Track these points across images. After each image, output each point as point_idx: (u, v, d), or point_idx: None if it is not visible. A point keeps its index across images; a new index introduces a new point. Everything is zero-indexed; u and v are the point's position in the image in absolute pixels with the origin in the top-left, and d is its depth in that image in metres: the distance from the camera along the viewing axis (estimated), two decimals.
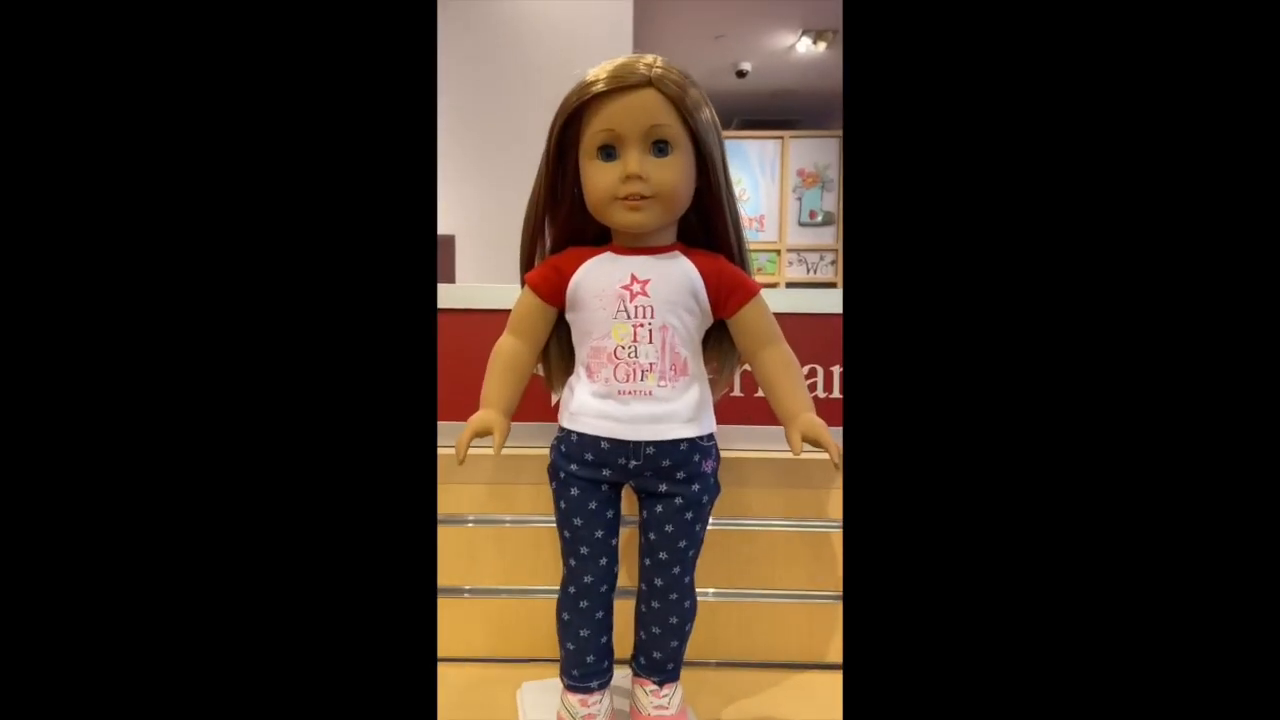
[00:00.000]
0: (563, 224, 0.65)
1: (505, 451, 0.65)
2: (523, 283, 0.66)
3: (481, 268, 2.13)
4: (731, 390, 0.80)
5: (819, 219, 3.64)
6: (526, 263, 0.67)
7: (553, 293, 0.64)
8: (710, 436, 0.66)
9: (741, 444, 0.81)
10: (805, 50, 3.37)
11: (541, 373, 0.70)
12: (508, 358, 0.64)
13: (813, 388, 0.81)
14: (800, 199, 3.67)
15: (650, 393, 0.61)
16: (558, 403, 0.67)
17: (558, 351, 0.68)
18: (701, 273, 0.62)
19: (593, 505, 0.64)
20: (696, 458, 0.63)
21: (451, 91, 2.01)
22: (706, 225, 0.64)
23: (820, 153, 3.63)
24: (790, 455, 0.60)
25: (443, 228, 2.12)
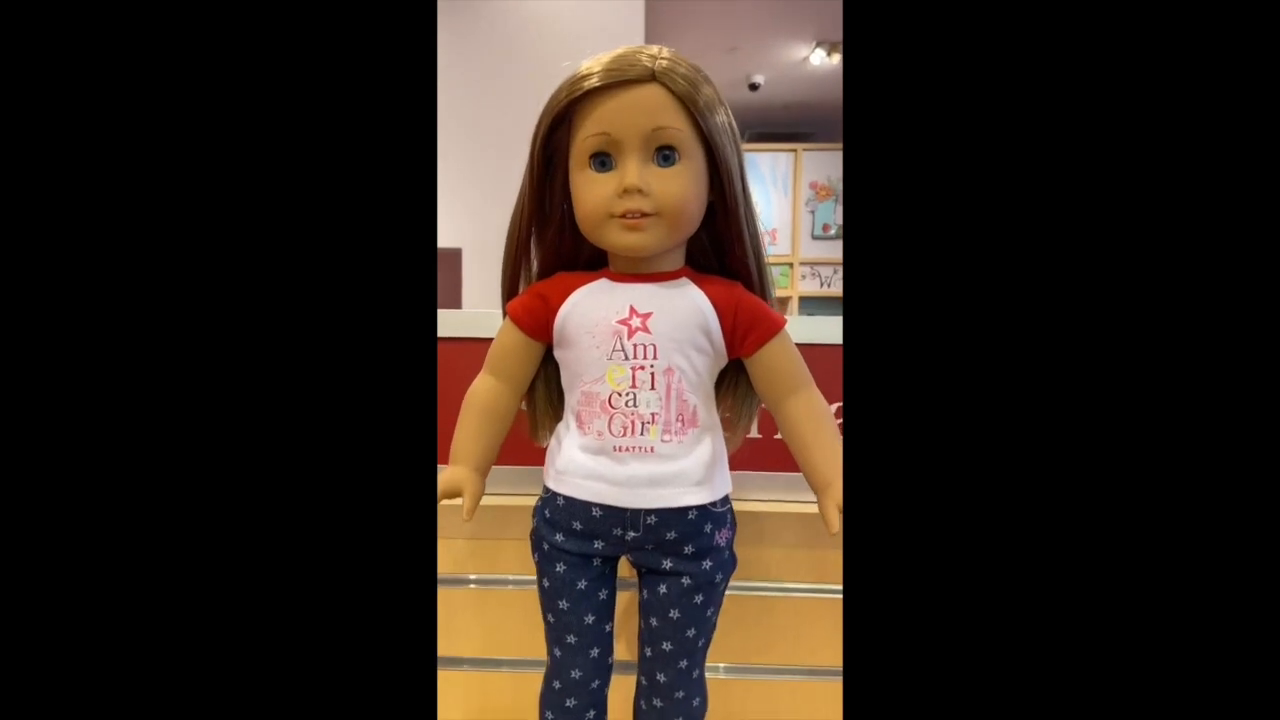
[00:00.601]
0: (550, 245, 0.55)
1: (488, 502, 0.56)
2: (504, 312, 0.56)
3: (491, 284, 2.01)
4: (748, 432, 0.69)
5: (832, 232, 3.60)
6: (509, 289, 0.57)
7: (537, 326, 0.53)
8: (725, 500, 0.55)
9: (758, 494, 0.71)
10: (819, 63, 3.33)
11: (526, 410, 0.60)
12: (484, 403, 0.54)
13: None
14: (813, 212, 3.64)
15: (652, 449, 0.51)
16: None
17: (545, 394, 0.58)
18: (714, 304, 0.52)
19: (582, 584, 0.53)
20: (708, 528, 0.52)
21: (460, 99, 1.93)
22: (720, 248, 0.54)
23: (833, 166, 3.59)
24: (816, 509, 0.50)
25: (448, 240, 2.03)
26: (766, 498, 0.71)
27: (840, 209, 3.56)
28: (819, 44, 3.21)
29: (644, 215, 0.48)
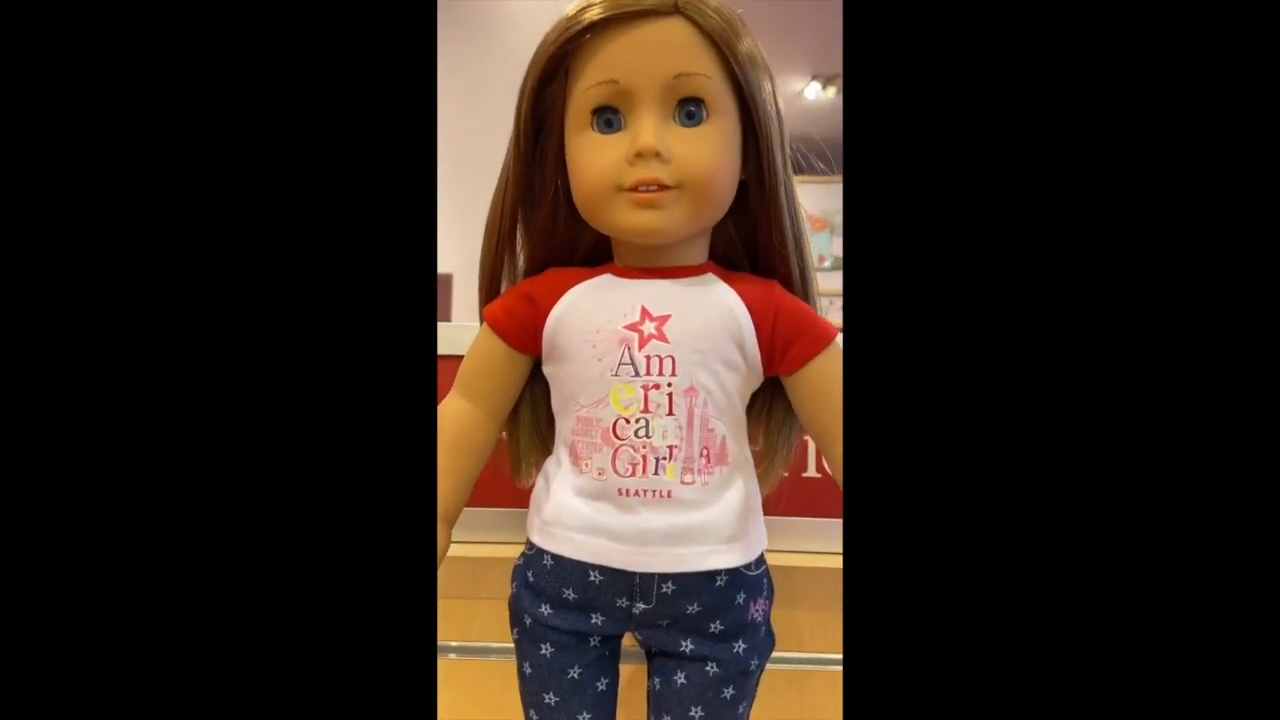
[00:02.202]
0: (540, 234, 0.44)
1: (458, 552, 0.45)
2: (481, 318, 0.44)
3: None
4: (785, 470, 0.57)
5: (828, 264, 3.57)
6: (488, 290, 0.45)
7: (522, 334, 0.42)
8: (760, 561, 0.43)
9: (787, 543, 0.59)
10: (814, 96, 3.36)
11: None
12: (453, 432, 0.42)
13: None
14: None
15: (669, 494, 0.39)
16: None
17: (531, 420, 0.46)
18: (749, 306, 0.41)
19: (575, 672, 0.41)
20: (741, 598, 0.41)
21: (448, 120, 1.86)
22: (752, 239, 0.44)
23: (829, 198, 3.56)
24: None
25: (439, 266, 1.96)
26: (797, 549, 0.59)
27: (836, 240, 3.53)
28: (814, 77, 3.25)
29: (662, 188, 0.37)
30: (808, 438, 0.67)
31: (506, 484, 0.51)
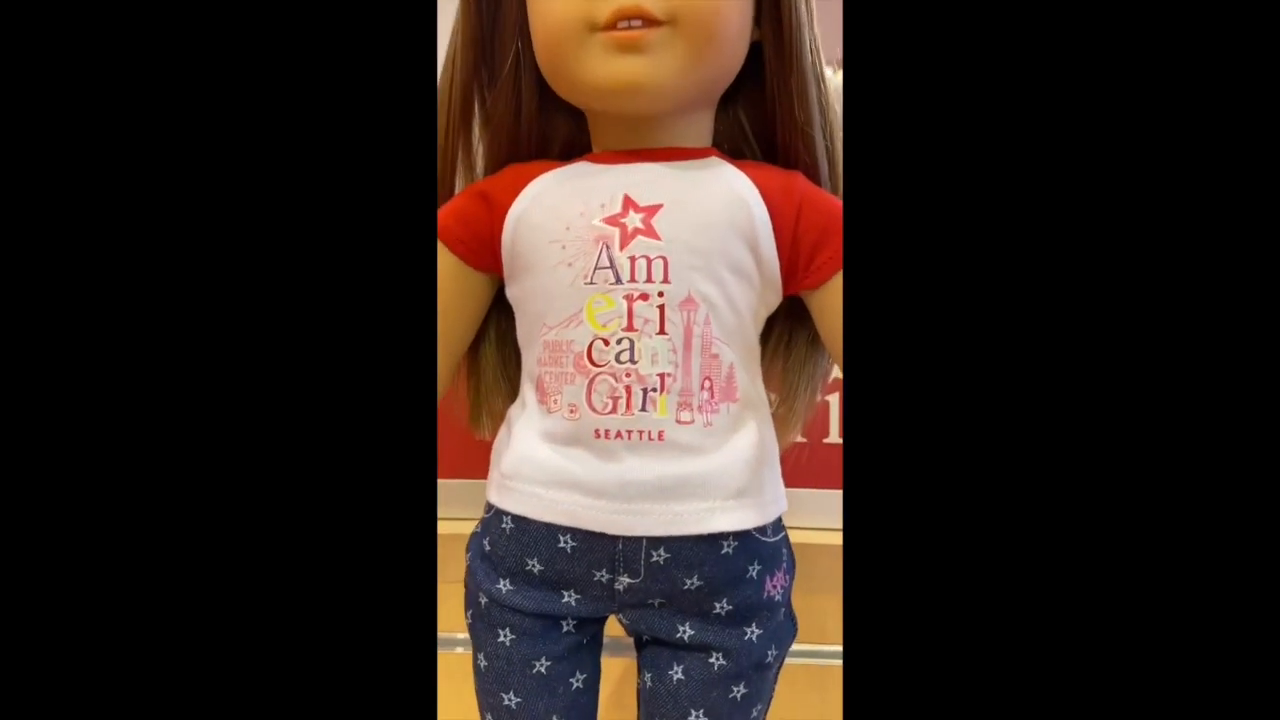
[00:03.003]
0: (502, 123, 0.35)
1: (452, 530, 0.37)
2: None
3: None
4: (807, 418, 0.49)
5: None
6: (443, 189, 0.37)
7: (478, 245, 0.34)
8: (779, 525, 0.36)
9: (804, 519, 0.52)
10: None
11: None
12: None
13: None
14: None
15: (660, 435, 0.31)
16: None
17: (495, 359, 0.38)
18: (765, 196, 0.32)
19: (541, 666, 0.33)
20: (754, 570, 0.33)
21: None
22: (769, 126, 0.35)
23: None
24: None
25: None
26: (815, 525, 0.53)
27: None
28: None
29: (649, 23, 0.29)
30: (829, 398, 0.59)
31: (468, 450, 0.43)
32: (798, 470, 0.51)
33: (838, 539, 0.51)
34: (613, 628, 0.39)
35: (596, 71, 0.30)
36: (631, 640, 0.37)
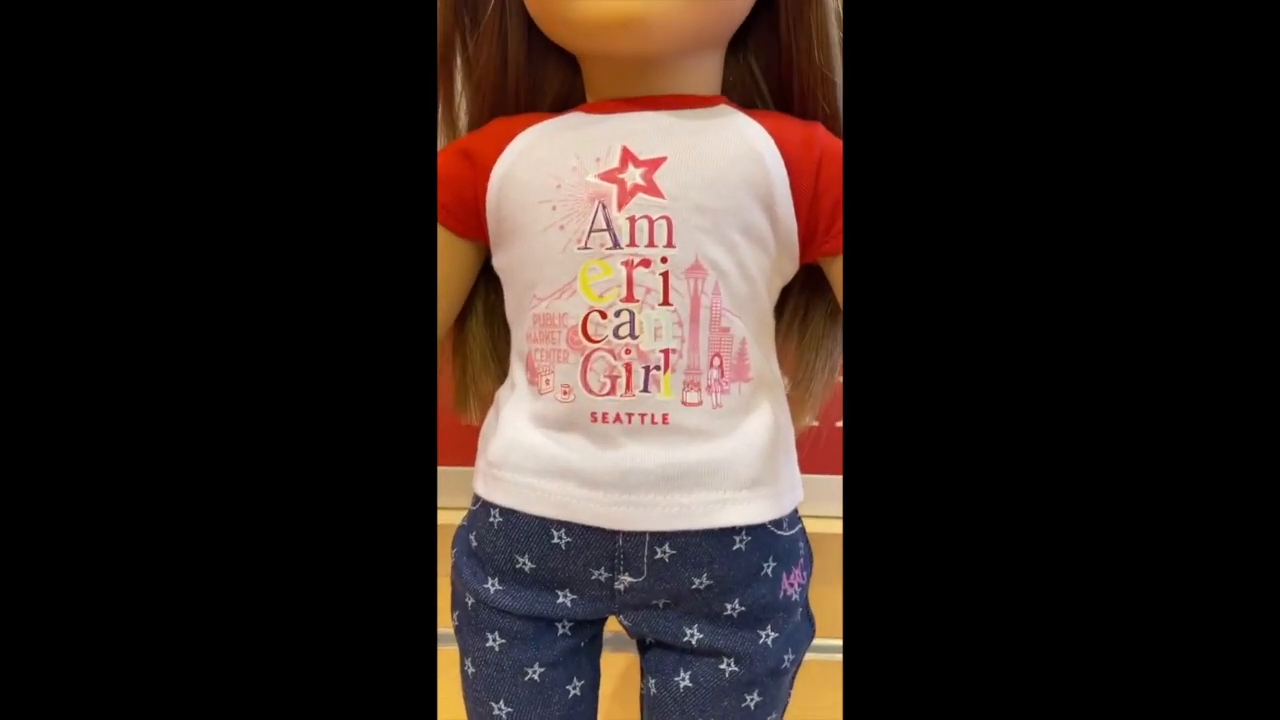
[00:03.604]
0: (487, 72, 0.32)
1: (452, 520, 0.34)
2: None
3: None
4: (825, 400, 0.47)
5: None
6: None
7: (460, 209, 0.31)
8: (796, 519, 0.33)
9: (819, 508, 0.48)
10: None
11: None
12: None
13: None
14: None
15: (665, 418, 0.28)
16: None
17: (483, 335, 0.35)
18: (782, 149, 0.29)
19: (534, 673, 0.31)
20: (769, 567, 0.30)
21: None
22: (785, 73, 0.32)
23: None
24: None
25: None
26: (830, 513, 0.50)
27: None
28: None
29: None
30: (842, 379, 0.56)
31: (457, 436, 0.40)
32: (808, 454, 0.50)
33: (841, 527, 0.48)
34: (614, 622, 0.36)
35: (590, 6, 0.26)
36: (629, 636, 0.34)
